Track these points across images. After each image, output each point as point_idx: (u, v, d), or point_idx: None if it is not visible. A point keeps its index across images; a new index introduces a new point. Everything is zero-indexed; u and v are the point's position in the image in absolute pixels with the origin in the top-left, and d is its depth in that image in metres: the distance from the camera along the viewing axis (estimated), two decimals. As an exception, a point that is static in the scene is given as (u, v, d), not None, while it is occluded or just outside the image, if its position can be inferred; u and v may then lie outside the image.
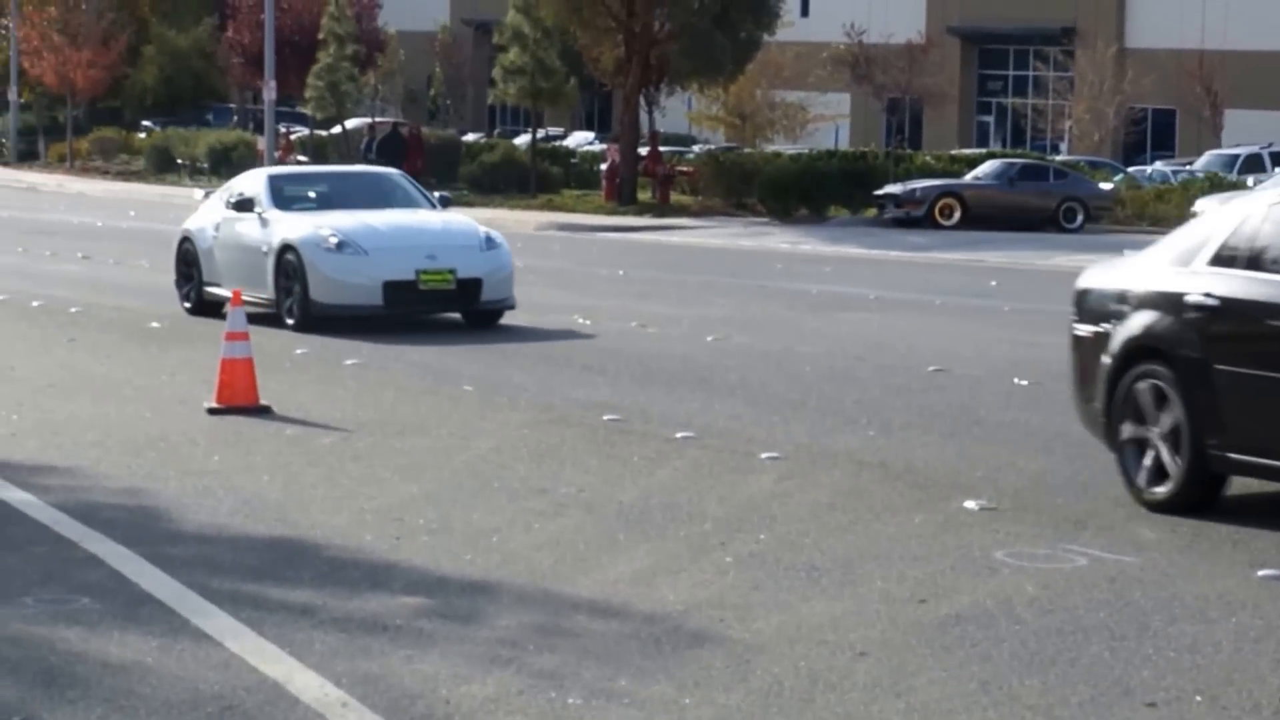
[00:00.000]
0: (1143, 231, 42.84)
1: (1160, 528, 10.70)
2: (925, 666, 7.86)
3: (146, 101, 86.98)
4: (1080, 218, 44.01)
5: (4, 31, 79.79)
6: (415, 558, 9.79)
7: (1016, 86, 73.31)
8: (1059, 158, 54.27)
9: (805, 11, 71.51)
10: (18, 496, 11.33)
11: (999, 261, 34.19)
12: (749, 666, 7.84)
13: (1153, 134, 66.27)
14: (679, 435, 13.65)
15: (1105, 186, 46.73)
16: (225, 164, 62.74)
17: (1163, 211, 45.27)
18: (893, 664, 7.89)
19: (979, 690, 7.53)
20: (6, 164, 76.80)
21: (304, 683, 7.54)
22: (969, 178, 45.84)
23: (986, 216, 43.37)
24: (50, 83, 74.82)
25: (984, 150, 59.29)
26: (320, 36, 59.91)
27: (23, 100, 79.58)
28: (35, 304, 23.39)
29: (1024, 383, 16.77)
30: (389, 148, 52.84)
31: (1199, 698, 7.42)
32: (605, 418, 14.45)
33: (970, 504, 11.21)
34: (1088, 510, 11.13)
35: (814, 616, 8.66)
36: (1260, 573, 9.50)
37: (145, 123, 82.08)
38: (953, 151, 57.12)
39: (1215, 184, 45.42)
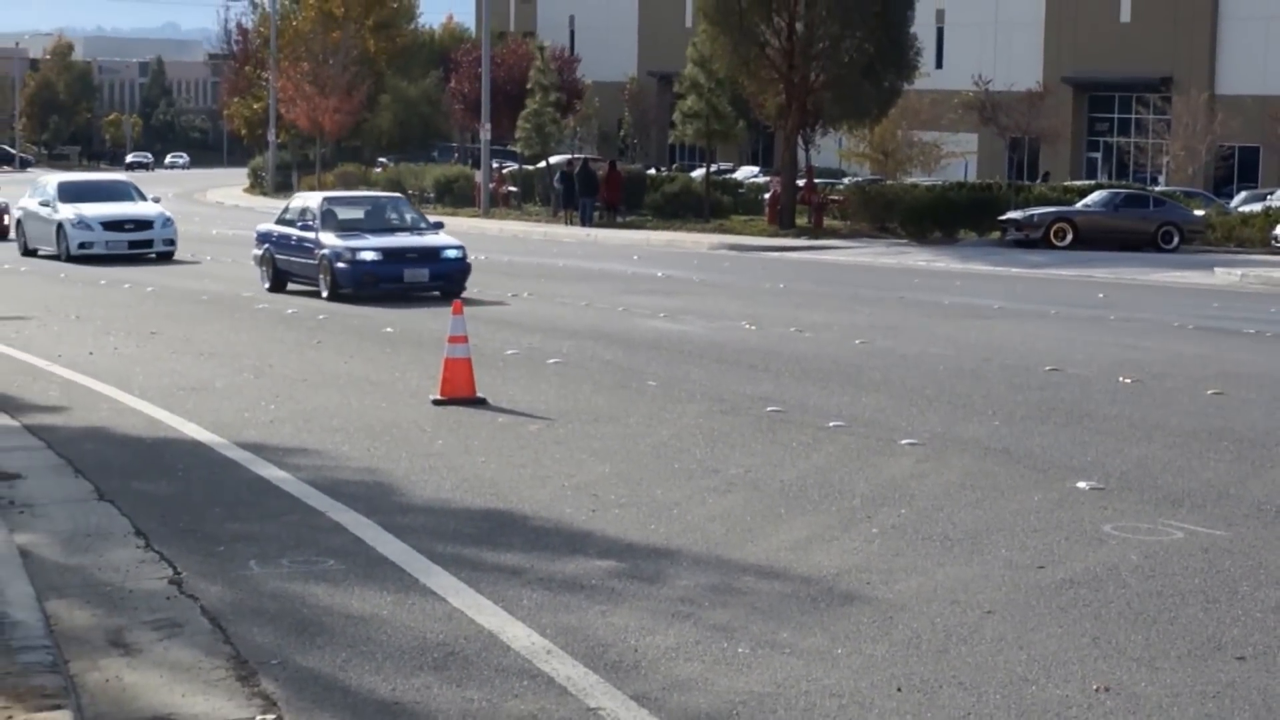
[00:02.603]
0: (1230, 252, 42.00)
1: (1248, 505, 10.47)
2: (1044, 623, 7.74)
3: (382, 141, 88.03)
4: (1176, 239, 43.21)
5: (265, 83, 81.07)
6: (608, 527, 9.80)
7: (1121, 127, 72.07)
8: (1157, 188, 53.29)
9: (940, 64, 70.93)
10: (275, 474, 11.48)
11: (1105, 277, 33.62)
12: (892, 622, 7.76)
13: (1239, 168, 64.95)
14: (831, 424, 13.55)
15: (1198, 213, 45.81)
16: (448, 194, 63.33)
17: (1247, 235, 44.39)
18: (1015, 621, 7.78)
19: (1090, 644, 7.40)
20: (265, 194, 78.05)
21: (514, 633, 7.57)
22: (1080, 205, 45.12)
23: (1095, 239, 42.78)
24: (302, 126, 75.85)
25: (1092, 182, 58.38)
26: (528, 86, 60.21)
27: (279, 140, 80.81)
28: (290, 311, 23.71)
29: (1128, 381, 16.48)
30: (584, 179, 53.02)
31: (1285, 655, 7.25)
32: (768, 409, 14.38)
33: (1082, 484, 11.03)
34: (1184, 490, 10.91)
35: (947, 580, 8.56)
36: (1339, 546, 9.27)
37: (381, 159, 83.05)
38: (1065, 183, 56.31)
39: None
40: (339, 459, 12.09)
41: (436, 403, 14.66)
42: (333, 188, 72.99)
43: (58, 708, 6.13)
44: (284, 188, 76.76)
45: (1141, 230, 43.37)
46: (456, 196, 62.80)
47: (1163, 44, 67.10)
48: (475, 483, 11.16)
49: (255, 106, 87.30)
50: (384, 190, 68.26)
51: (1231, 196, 56.76)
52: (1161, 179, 62.78)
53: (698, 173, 62.29)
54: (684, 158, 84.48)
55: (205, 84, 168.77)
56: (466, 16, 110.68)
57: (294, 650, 7.35)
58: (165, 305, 25.03)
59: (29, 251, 36.52)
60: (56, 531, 9.76)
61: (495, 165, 63.18)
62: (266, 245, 27.67)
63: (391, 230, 26.51)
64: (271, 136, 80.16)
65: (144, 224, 34.92)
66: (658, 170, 67.61)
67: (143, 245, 34.71)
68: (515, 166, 65.97)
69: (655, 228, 50.44)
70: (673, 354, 18.59)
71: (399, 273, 25.27)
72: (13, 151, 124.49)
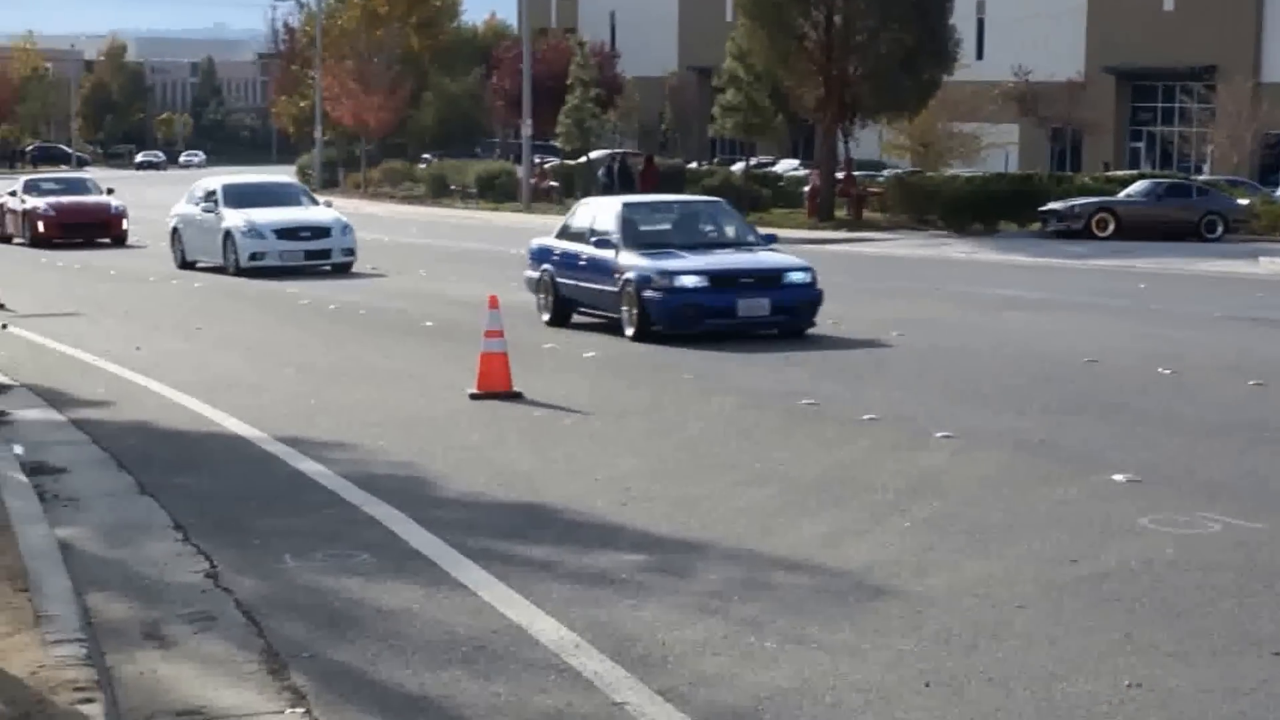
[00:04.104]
0: (1275, 241, 41.62)
1: (1286, 499, 10.35)
2: (1076, 618, 7.65)
3: (426, 138, 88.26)
4: (1220, 229, 42.83)
5: (311, 82, 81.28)
6: (638, 520, 9.75)
7: (1165, 116, 71.59)
8: (1201, 177, 52.88)
9: (980, 55, 70.55)
10: (313, 468, 11.48)
11: (1148, 267, 33.38)
12: (921, 617, 7.69)
13: (1286, 157, 64.39)
14: (865, 417, 13.47)
15: (1242, 202, 45.41)
16: (490, 190, 63.38)
17: (1293, 223, 44.01)
18: (1046, 616, 7.69)
19: (1123, 640, 7.31)
20: (313, 190, 78.23)
21: (543, 627, 7.53)
22: (1122, 195, 44.80)
23: (1137, 229, 42.43)
24: (348, 123, 76.01)
25: (1135, 171, 57.98)
26: (568, 82, 60.28)
27: (326, 138, 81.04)
28: (332, 307, 23.75)
29: (1167, 372, 16.33)
30: (621, 174, 53.06)
31: (1318, 649, 7.15)
32: (802, 402, 14.31)
33: (1118, 477, 10.92)
34: (1222, 482, 10.80)
35: (978, 574, 8.47)
36: (1375, 539, 9.14)
37: (425, 155, 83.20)
38: (1108, 173, 55.97)
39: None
40: (375, 453, 12.09)
41: (473, 397, 14.64)
42: (379, 184, 73.33)
43: (89, 701, 6.12)
44: (331, 184, 76.98)
45: (1184, 220, 43.02)
46: (499, 192, 62.87)
47: (1206, 32, 66.53)
48: (509, 476, 11.13)
49: (302, 104, 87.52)
50: (428, 186, 68.66)
51: (1277, 185, 56.26)
52: (1206, 168, 62.32)
53: (738, 166, 62.18)
54: (724, 152, 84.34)
55: (254, 83, 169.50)
56: (508, 13, 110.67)
57: (325, 644, 7.33)
58: (211, 302, 25.12)
59: (187, 264, 31.83)
60: (98, 525, 9.79)
61: (537, 160, 63.21)
62: (545, 266, 21.37)
63: (711, 246, 20.32)
64: (318, 134, 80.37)
65: (321, 231, 30.48)
66: (698, 164, 67.49)
67: (319, 255, 30.41)
68: (556, 161, 65.99)
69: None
70: (707, 349, 18.50)
71: (730, 304, 18.96)
72: (69, 151, 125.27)
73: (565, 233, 21.38)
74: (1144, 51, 68.96)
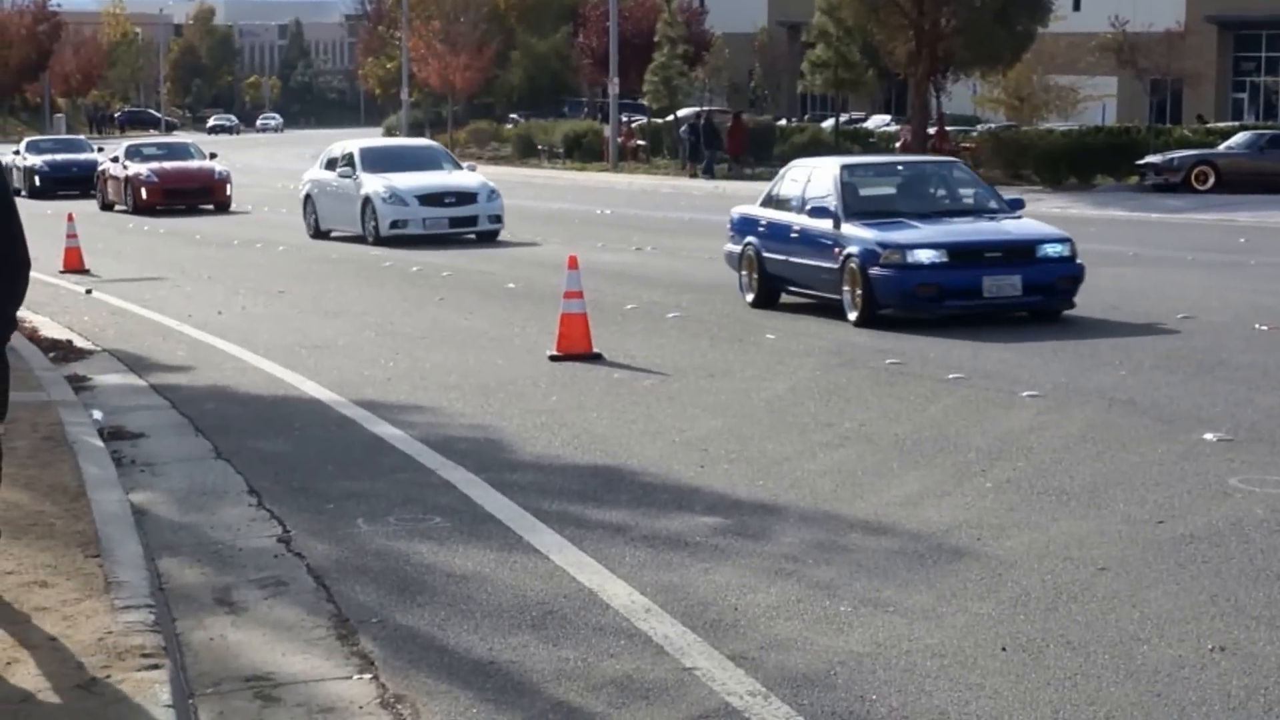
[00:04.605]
0: (1382, 192, 40.80)
1: (1383, 457, 10.15)
2: (1160, 580, 7.54)
3: (513, 98, 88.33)
4: (1322, 181, 42.11)
5: (397, 43, 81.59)
6: (715, 483, 9.71)
7: (1269, 66, 70.41)
8: (1304, 128, 51.94)
9: (1077, 7, 69.58)
10: (389, 431, 11.51)
11: (1248, 221, 32.84)
12: (1000, 579, 7.60)
13: (1392, 105, 63.18)
14: (950, 376, 13.34)
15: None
16: (577, 149, 63.38)
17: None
18: (1130, 578, 7.58)
19: (1208, 602, 7.19)
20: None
21: (614, 591, 7.50)
22: (1222, 148, 44.12)
23: (1238, 182, 41.74)
24: (434, 84, 76.29)
25: (1237, 123, 57.09)
26: (655, 39, 60.11)
27: (412, 99, 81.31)
28: (414, 269, 23.82)
29: (1264, 328, 16.06)
30: (707, 132, 52.91)
31: None
32: (887, 362, 14.19)
33: (1209, 436, 10.75)
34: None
35: (1061, 535, 8.37)
36: None
37: (512, 115, 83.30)
38: (1208, 125, 55.15)
39: None
40: (452, 416, 12.10)
41: (552, 358, 14.63)
42: (465, 145, 73.52)
43: (155, 667, 6.16)
44: (417, 145, 77.09)
45: (1287, 173, 42.31)
46: (585, 151, 62.87)
47: (1314, -22, 65.39)
48: (586, 439, 11.11)
49: (389, 66, 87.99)
50: (515, 146, 68.68)
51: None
52: (1311, 119, 61.31)
53: (828, 123, 61.80)
54: (815, 108, 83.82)
55: (342, 44, 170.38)
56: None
57: (394, 609, 7.35)
58: (294, 264, 25.27)
59: (321, 233, 30.34)
60: (173, 490, 9.87)
61: (623, 119, 63.11)
62: (748, 240, 18.85)
63: (947, 214, 17.74)
64: (404, 95, 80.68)
65: (466, 197, 28.70)
66: (788, 121, 67.14)
67: (465, 223, 28.59)
68: (644, 120, 65.88)
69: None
70: (793, 307, 18.40)
71: (974, 282, 16.42)
72: (158, 115, 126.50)
73: (772, 200, 18.91)
74: (1248, 0, 67.84)
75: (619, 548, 8.24)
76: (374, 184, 28.76)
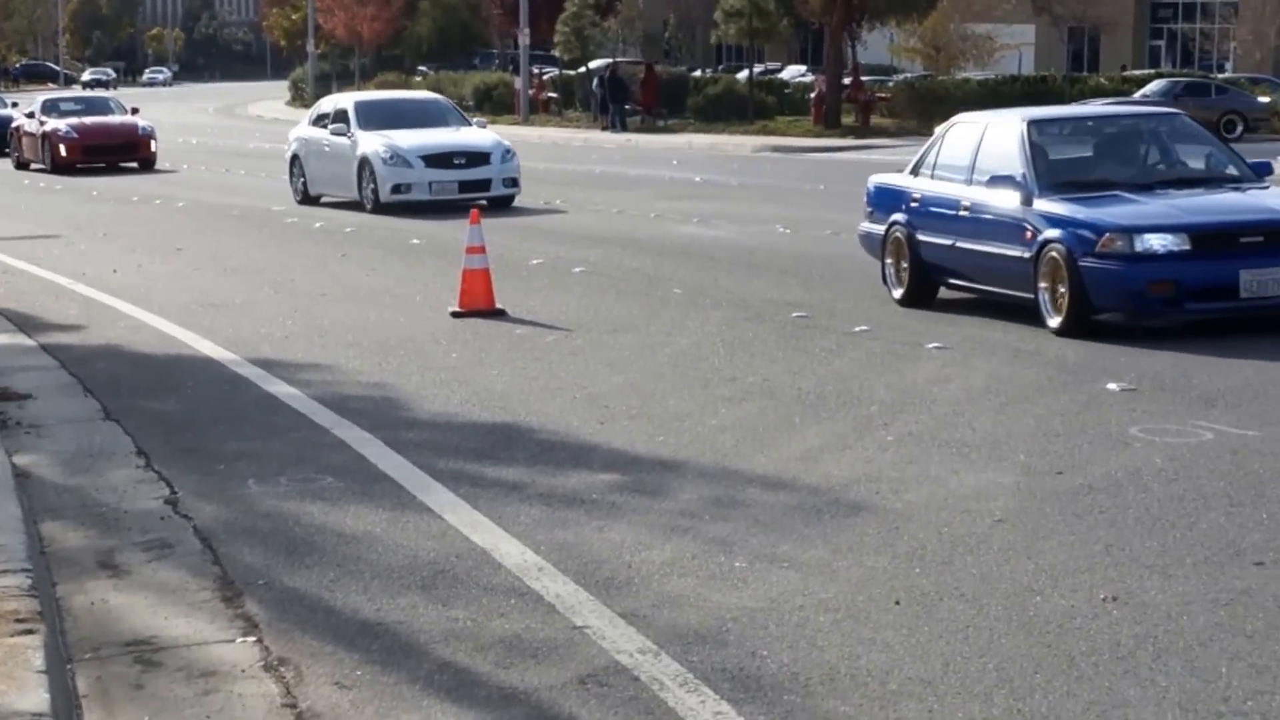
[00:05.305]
0: (1296, 140, 41.34)
1: (1284, 406, 10.28)
2: (1056, 531, 7.62)
3: (422, 49, 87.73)
4: (1240, 128, 42.66)
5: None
6: (615, 440, 9.71)
7: (1185, 13, 71.02)
8: (1222, 75, 52.55)
9: (994, -48, 69.89)
10: (284, 390, 11.45)
11: (1162, 170, 33.09)
12: (897, 533, 7.66)
13: (1310, 52, 63.84)
14: (857, 329, 13.41)
15: (1263, 100, 45.15)
16: (488, 101, 63.08)
17: (1317, 121, 43.71)
18: (1027, 529, 7.66)
19: (1102, 552, 7.28)
20: (306, 106, 77.82)
21: (507, 550, 7.51)
22: (1137, 95, 44.57)
23: (1153, 130, 42.15)
24: (341, 36, 75.73)
25: (1153, 71, 57.61)
26: (567, -12, 59.84)
27: (319, 51, 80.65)
28: (317, 225, 23.65)
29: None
30: (612, 84, 52.89)
31: (1304, 559, 7.11)
32: (794, 315, 14.24)
33: (1112, 386, 10.87)
34: (1220, 390, 10.74)
35: (960, 488, 8.44)
36: (1372, 445, 9.09)
37: (421, 67, 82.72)
38: (1124, 73, 55.62)
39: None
40: (350, 374, 12.05)
41: (454, 315, 14.59)
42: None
43: (29, 632, 6.11)
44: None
45: (1203, 120, 42.11)
46: (496, 104, 62.59)
47: (1230, -77, 65.94)
48: (485, 396, 11.10)
49: (294, 17, 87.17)
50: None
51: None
52: (1228, 66, 61.92)
53: (742, 74, 61.82)
54: (730, 59, 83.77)
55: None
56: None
57: (282, 571, 7.32)
58: (193, 221, 25.04)
59: (310, 198, 27.27)
60: (59, 452, 9.78)
61: (535, 71, 62.82)
62: (895, 219, 15.14)
63: (1176, 184, 13.91)
64: (310, 47, 79.99)
65: (478, 157, 25.53)
66: (702, 72, 67.10)
67: (477, 187, 25.30)
68: (555, 72, 65.65)
69: (697, 131, 50.12)
70: (702, 260, 18.45)
71: (1229, 277, 12.71)
72: (57, 68, 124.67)
73: (927, 167, 15.01)
74: (1164, -54, 68.42)
75: (514, 506, 8.24)
76: (372, 143, 25.57)
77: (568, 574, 7.12)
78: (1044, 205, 13.33)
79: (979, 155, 14.30)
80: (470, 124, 27.59)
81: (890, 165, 36.35)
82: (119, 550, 7.73)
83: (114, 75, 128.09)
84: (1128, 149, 14.64)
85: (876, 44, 60.34)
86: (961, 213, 14.25)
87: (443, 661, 6.16)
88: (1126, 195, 13.44)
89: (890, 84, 54.57)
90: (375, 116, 26.50)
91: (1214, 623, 6.33)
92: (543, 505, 8.26)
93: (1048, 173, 13.73)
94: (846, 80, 49.54)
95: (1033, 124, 14.16)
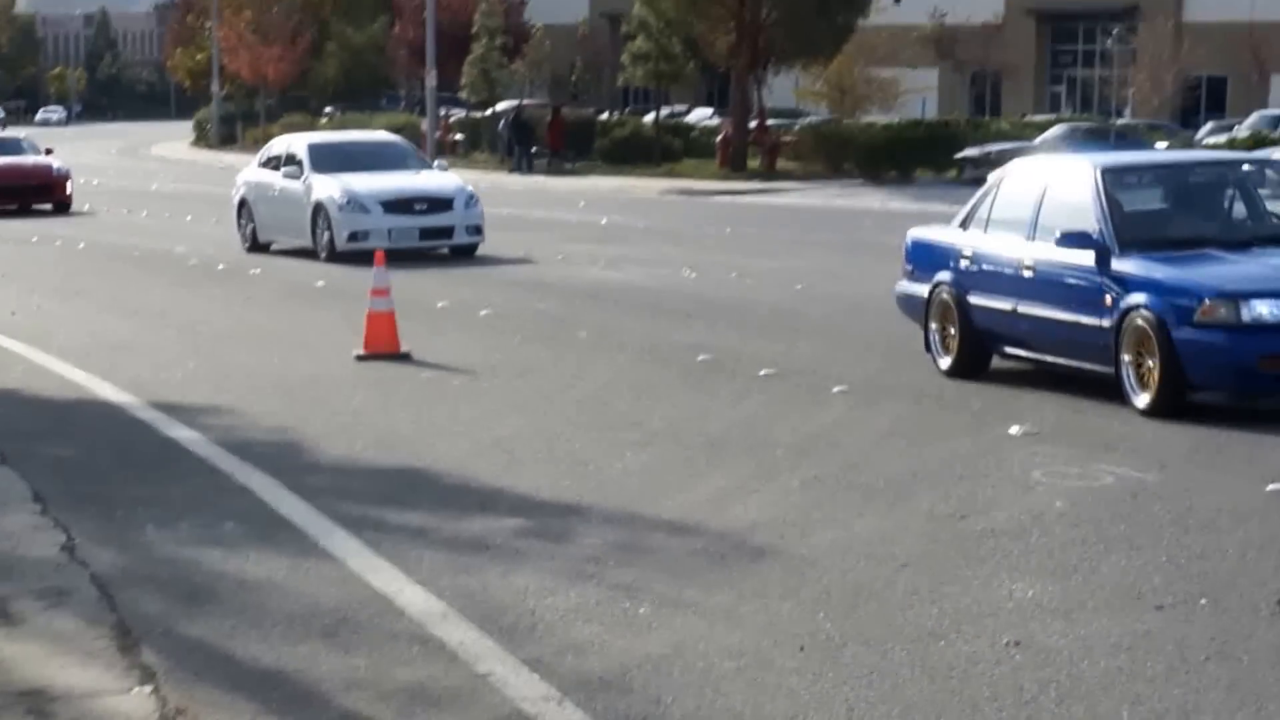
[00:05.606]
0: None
1: (1183, 446, 10.40)
2: (960, 576, 7.65)
3: (328, 90, 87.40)
4: (1138, 174, 43.20)
5: (207, 33, 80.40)
6: (520, 484, 9.66)
7: (1085, 59, 72.04)
8: (1121, 121, 53.35)
9: (897, -1, 70.67)
10: (186, 434, 11.32)
11: (1063, 214, 33.46)
12: (802, 578, 7.66)
13: (1207, 99, 64.93)
14: (763, 372, 13.43)
15: (1160, 145, 45.80)
16: (395, 143, 62.89)
17: (1212, 167, 44.29)
18: (931, 574, 7.68)
19: (1005, 597, 7.31)
20: (210, 147, 77.44)
21: (411, 596, 7.44)
22: (1038, 140, 45.05)
23: (1054, 174, 42.65)
24: (246, 76, 75.29)
25: (1054, 115, 58.37)
26: (474, 31, 59.91)
27: (223, 92, 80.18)
28: (221, 267, 23.44)
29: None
30: (518, 127, 53.01)
31: (1203, 600, 7.18)
32: (699, 358, 14.25)
33: (1015, 429, 10.93)
34: (1120, 434, 10.84)
35: (865, 532, 8.46)
36: (1270, 486, 9.20)
37: (327, 108, 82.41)
38: (1026, 118, 56.33)
39: (1260, 141, 44.29)
40: (253, 418, 11.94)
41: (359, 358, 14.49)
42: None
43: (-82, 687, 5.99)
44: (229, 140, 76.21)
45: (1102, 166, 43.31)
46: (403, 145, 62.34)
47: (1130, -29, 66.93)
48: (389, 440, 11.02)
49: (199, 57, 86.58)
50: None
51: (1198, 128, 56.81)
52: (1127, 111, 62.84)
53: (649, 117, 62.01)
54: (637, 101, 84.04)
55: (151, 35, 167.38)
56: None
57: (181, 618, 7.22)
58: (95, 262, 24.78)
59: (259, 246, 25.79)
60: (-49, 500, 9.59)
61: (442, 113, 62.73)
62: (941, 278, 13.45)
63: (1255, 242, 12.21)
64: (215, 88, 79.51)
65: (440, 203, 24.14)
66: (609, 114, 67.29)
67: (439, 234, 24.09)
68: (462, 114, 65.61)
69: (604, 174, 50.21)
70: (608, 303, 18.45)
71: None
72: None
73: (978, 220, 13.31)
74: (1064, -8, 69.36)
75: (417, 551, 8.17)
76: (327, 187, 24.06)
77: (471, 620, 7.06)
78: (1125, 266, 11.70)
79: (1042, 207, 12.61)
80: (431, 166, 26.49)
81: (797, 209, 36.73)
82: (13, 598, 7.58)
83: (2, 115, 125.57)
84: (1212, 200, 12.96)
85: (782, 87, 60.71)
86: (1024, 273, 12.56)
87: (344, 710, 6.08)
88: (1219, 254, 11.86)
89: (796, 127, 54.89)
90: (330, 159, 25.15)
91: (1115, 667, 6.37)
92: (447, 550, 8.20)
93: (1128, 228, 12.03)
94: (753, 123, 49.81)
95: (1107, 172, 12.44)
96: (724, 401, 12.28)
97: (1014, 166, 13.67)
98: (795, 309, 17.76)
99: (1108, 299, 11.74)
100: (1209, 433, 10.79)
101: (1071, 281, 12.13)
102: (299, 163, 25.07)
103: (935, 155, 46.60)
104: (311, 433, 11.32)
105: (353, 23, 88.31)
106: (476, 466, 10.15)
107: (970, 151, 44.49)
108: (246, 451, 10.64)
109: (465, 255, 24.21)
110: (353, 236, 23.69)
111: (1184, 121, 60.28)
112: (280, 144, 26.88)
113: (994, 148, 44.37)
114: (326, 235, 23.92)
